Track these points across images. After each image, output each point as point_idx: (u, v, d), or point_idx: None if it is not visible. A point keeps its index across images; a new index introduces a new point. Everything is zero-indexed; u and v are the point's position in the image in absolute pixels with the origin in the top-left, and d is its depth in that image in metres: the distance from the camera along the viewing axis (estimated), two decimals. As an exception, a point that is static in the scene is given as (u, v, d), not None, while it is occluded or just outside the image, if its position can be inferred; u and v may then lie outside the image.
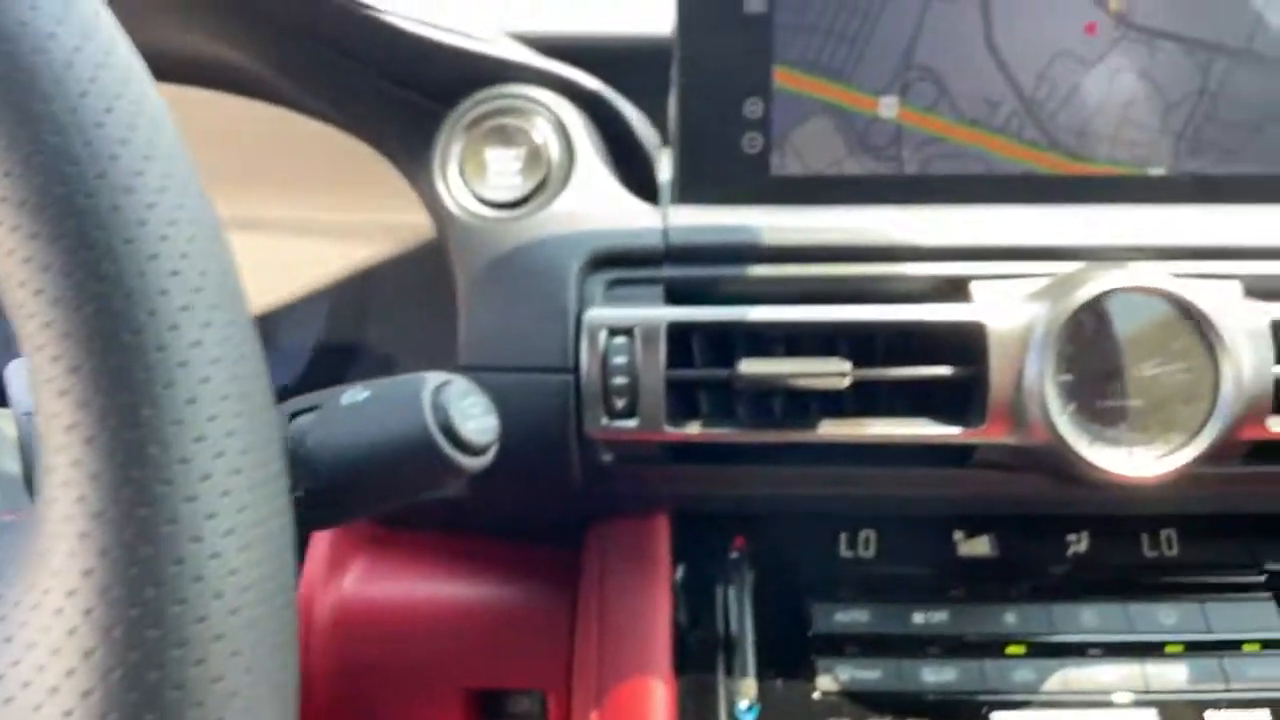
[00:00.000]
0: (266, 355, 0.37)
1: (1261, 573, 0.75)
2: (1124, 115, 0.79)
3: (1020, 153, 0.80)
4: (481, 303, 0.68)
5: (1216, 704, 0.69)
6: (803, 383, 0.62)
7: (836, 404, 0.67)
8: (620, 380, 0.64)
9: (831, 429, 0.65)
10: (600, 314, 0.65)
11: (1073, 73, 0.78)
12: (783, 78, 0.78)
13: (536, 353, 0.66)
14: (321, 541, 0.91)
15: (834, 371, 0.62)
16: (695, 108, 0.74)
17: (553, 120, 0.75)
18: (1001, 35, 0.73)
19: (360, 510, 0.44)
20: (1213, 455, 0.65)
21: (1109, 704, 0.69)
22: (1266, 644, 0.72)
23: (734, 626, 0.72)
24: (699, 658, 0.71)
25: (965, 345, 0.66)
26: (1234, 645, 0.72)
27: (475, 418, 0.44)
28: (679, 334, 0.66)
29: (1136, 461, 0.64)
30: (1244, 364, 0.63)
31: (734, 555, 0.76)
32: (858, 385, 0.67)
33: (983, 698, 0.69)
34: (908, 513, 0.77)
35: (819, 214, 0.70)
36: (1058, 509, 0.76)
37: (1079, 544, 0.77)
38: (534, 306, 0.67)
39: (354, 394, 0.44)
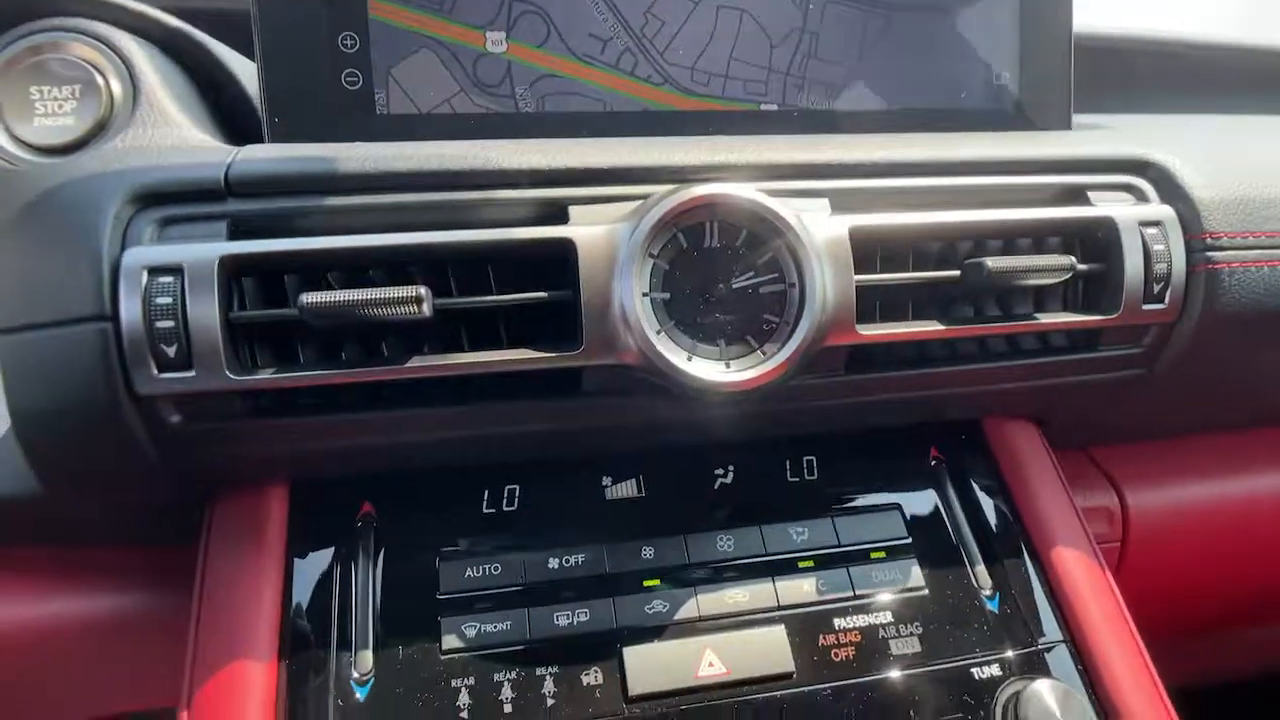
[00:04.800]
0: None
1: (891, 483, 0.78)
2: (732, 53, 0.81)
3: (635, 89, 0.79)
4: (3, 255, 0.59)
5: (843, 611, 0.70)
6: (376, 312, 0.57)
7: (430, 341, 0.63)
8: (166, 325, 0.57)
9: (420, 362, 0.61)
10: (142, 253, 0.58)
11: (680, 10, 0.79)
12: (379, 11, 0.74)
13: (66, 302, 0.57)
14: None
15: (409, 297, 0.58)
16: (280, 41, 0.68)
17: (115, 58, 0.67)
18: (604, -29, 0.72)
19: None
20: (811, 364, 0.66)
21: (740, 625, 0.68)
22: (891, 550, 0.74)
23: (355, 598, 0.66)
24: (310, 636, 0.64)
25: (557, 269, 0.63)
26: (861, 555, 0.73)
27: None
28: (240, 272, 0.60)
29: (734, 372, 0.64)
30: (828, 272, 0.65)
31: (358, 523, 0.70)
32: (452, 320, 0.63)
33: (613, 635, 0.67)
34: (547, 459, 0.74)
35: (412, 145, 0.66)
36: (689, 438, 0.75)
37: (725, 477, 0.77)
38: (61, 251, 0.58)
39: None
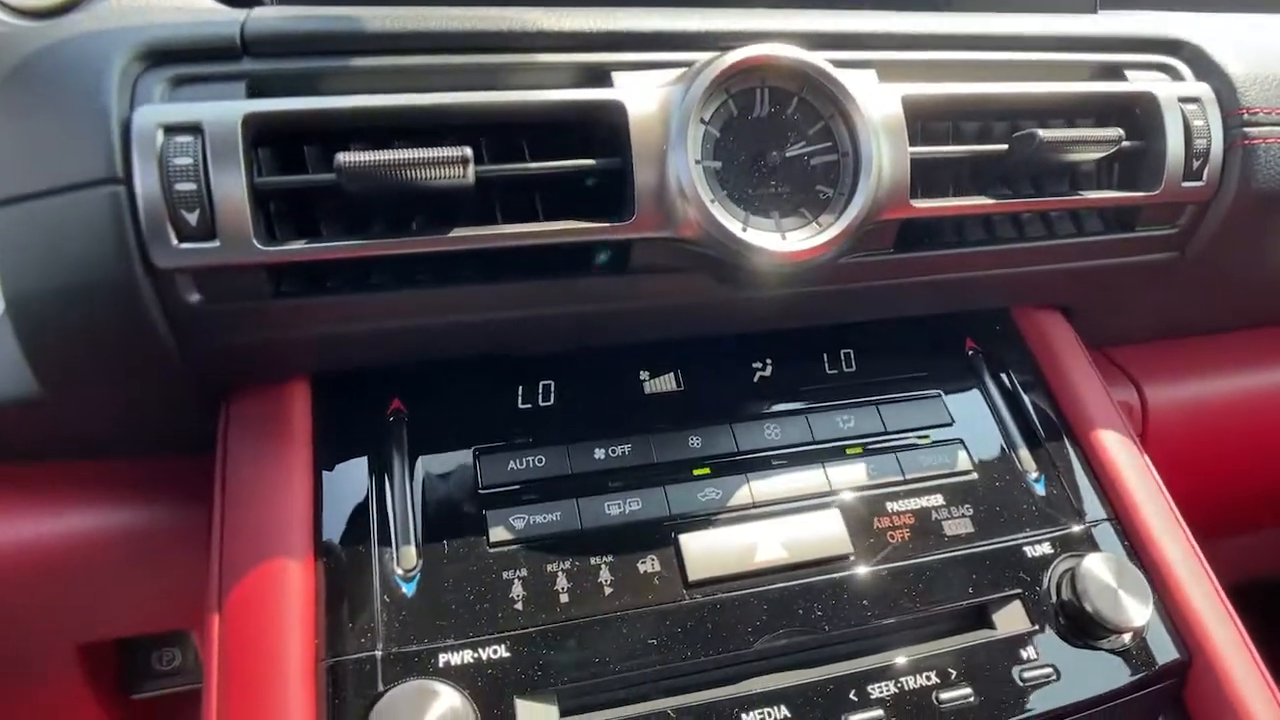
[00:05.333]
0: None
1: (931, 374, 0.76)
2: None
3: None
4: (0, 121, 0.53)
5: (895, 495, 0.69)
6: (418, 174, 0.53)
7: (464, 216, 0.59)
8: (187, 188, 0.52)
9: (466, 233, 0.57)
10: (155, 110, 0.52)
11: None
12: None
13: (69, 166, 0.51)
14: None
15: (454, 158, 0.53)
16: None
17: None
18: None
19: None
20: (863, 240, 0.64)
21: (795, 510, 0.66)
22: (936, 436, 0.73)
23: (391, 494, 0.63)
24: (347, 535, 0.61)
25: (607, 136, 0.60)
26: (908, 441, 0.72)
27: None
28: (261, 136, 0.55)
29: (790, 242, 0.61)
30: (884, 142, 0.62)
31: (390, 418, 0.66)
32: (485, 194, 0.59)
33: (668, 523, 0.64)
34: (588, 346, 0.70)
35: (439, 7, 0.61)
36: (733, 325, 0.73)
37: (764, 370, 0.75)
38: (62, 111, 0.52)
39: None
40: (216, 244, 0.53)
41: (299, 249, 0.55)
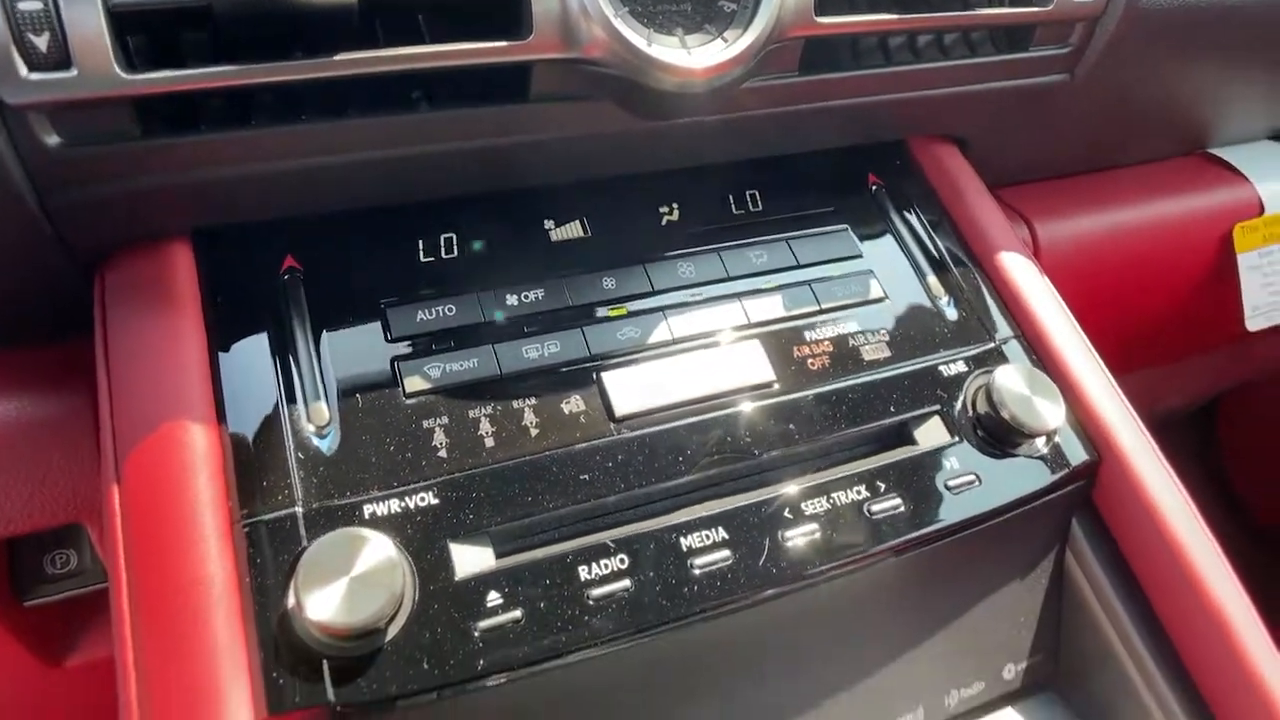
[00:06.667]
0: None
1: (837, 210, 0.76)
2: None
3: None
4: None
5: (812, 325, 0.69)
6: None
7: (347, 41, 0.54)
8: (31, 6, 0.46)
9: (351, 57, 0.52)
10: None
11: None
12: None
13: None
14: None
15: None
16: None
17: None
18: None
19: None
20: (768, 60, 0.62)
21: (715, 344, 0.66)
22: (848, 267, 0.73)
23: (294, 352, 0.59)
24: (250, 396, 0.57)
25: None
26: (821, 272, 0.72)
27: None
28: None
29: (697, 58, 0.59)
30: None
31: (285, 276, 0.62)
32: (379, 14, 0.54)
33: (589, 363, 0.63)
34: (481, 199, 0.67)
35: None
36: (638, 162, 0.70)
37: (671, 214, 0.73)
38: None
39: None
40: (73, 73, 0.47)
41: (169, 76, 0.49)
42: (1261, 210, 1.10)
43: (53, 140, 0.50)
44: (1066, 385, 0.70)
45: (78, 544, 0.73)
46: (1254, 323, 1.12)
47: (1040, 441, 0.66)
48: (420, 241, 0.66)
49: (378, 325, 0.61)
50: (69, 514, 0.66)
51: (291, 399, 0.57)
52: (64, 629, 0.80)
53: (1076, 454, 0.67)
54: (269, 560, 0.51)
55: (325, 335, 0.60)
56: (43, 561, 0.71)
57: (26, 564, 0.70)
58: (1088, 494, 0.68)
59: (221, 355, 0.57)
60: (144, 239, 0.59)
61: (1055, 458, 0.66)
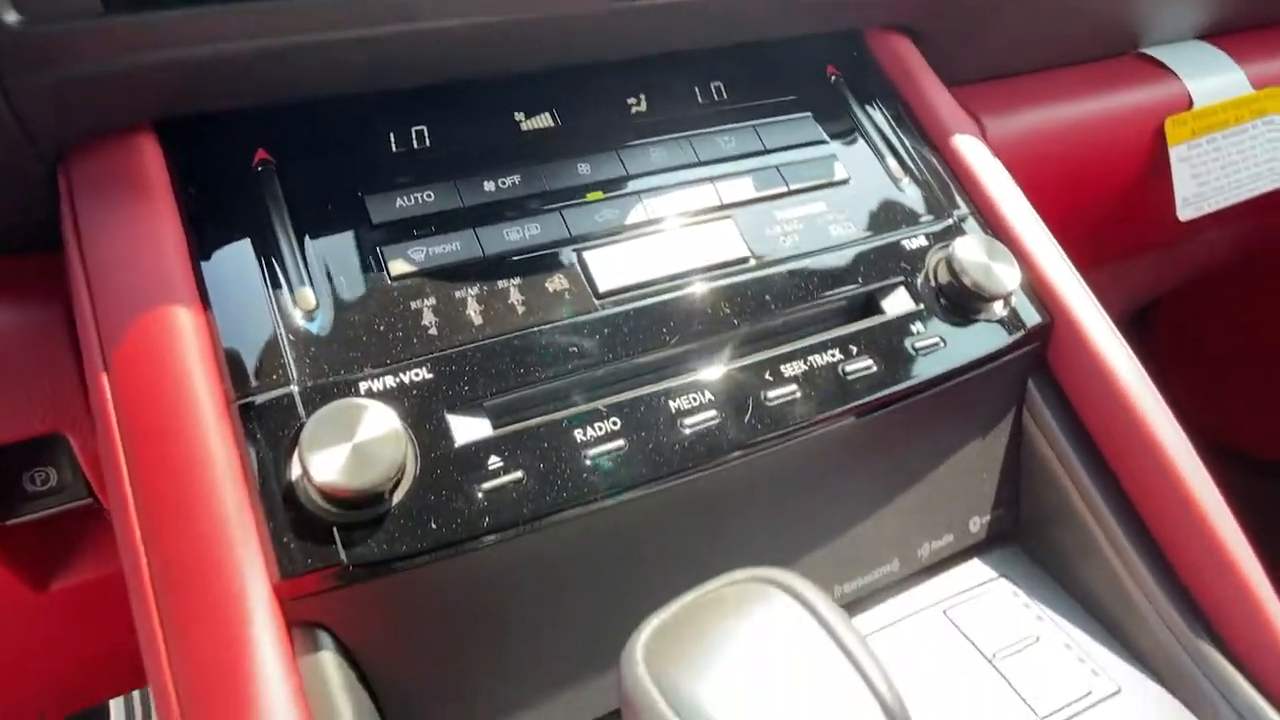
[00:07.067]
0: None
1: (799, 99, 0.78)
2: None
3: None
4: None
5: (782, 205, 0.71)
6: None
7: None
8: None
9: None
10: None
11: None
12: None
13: None
14: None
15: None
16: None
17: None
18: None
19: None
20: None
21: (691, 223, 0.67)
22: (813, 151, 0.75)
23: (275, 241, 0.59)
24: (235, 284, 0.57)
25: None
26: (788, 156, 0.74)
27: None
28: None
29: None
30: None
31: (257, 168, 0.61)
32: None
33: (570, 244, 0.64)
34: (449, 88, 0.67)
35: None
36: (602, 46, 0.71)
37: (639, 105, 0.74)
38: None
39: None
40: None
41: None
42: (1190, 105, 1.14)
43: (11, 17, 0.49)
44: (1020, 254, 0.73)
45: (55, 461, 0.72)
46: (1184, 213, 1.17)
47: (998, 306, 0.70)
48: (391, 133, 0.66)
49: (356, 213, 0.61)
50: (50, 423, 0.66)
51: (276, 285, 0.57)
52: (45, 552, 0.80)
53: (1031, 317, 0.71)
54: (270, 436, 0.52)
55: (305, 224, 0.60)
56: (22, 479, 0.70)
57: (4, 483, 0.70)
58: (1042, 355, 0.72)
59: (200, 244, 0.57)
60: (109, 130, 0.58)
61: (1012, 320, 0.70)
